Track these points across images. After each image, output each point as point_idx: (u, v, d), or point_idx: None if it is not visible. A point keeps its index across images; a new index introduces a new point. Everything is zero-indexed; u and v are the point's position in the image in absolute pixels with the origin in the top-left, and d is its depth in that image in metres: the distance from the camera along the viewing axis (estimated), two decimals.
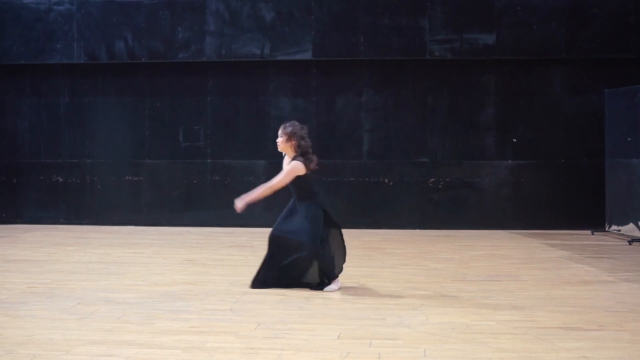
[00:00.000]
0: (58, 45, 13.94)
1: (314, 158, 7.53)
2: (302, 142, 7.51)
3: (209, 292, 7.41)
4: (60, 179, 14.09)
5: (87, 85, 14.10)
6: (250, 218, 13.51)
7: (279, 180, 7.60)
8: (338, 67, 13.54)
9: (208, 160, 13.73)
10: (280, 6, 13.46)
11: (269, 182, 7.66)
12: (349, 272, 8.58)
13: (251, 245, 11.13)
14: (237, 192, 13.57)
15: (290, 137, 7.55)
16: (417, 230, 13.07)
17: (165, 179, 13.80)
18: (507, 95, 13.35)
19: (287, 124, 7.63)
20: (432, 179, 13.37)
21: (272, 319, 6.21)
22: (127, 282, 7.98)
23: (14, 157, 14.27)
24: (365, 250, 10.56)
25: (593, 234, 12.46)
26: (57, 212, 14.13)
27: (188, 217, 13.62)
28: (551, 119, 13.29)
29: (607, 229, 12.57)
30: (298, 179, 7.53)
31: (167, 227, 13.44)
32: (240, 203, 7.60)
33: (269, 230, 12.84)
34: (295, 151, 7.55)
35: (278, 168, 13.39)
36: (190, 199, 13.82)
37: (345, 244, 7.75)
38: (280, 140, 7.64)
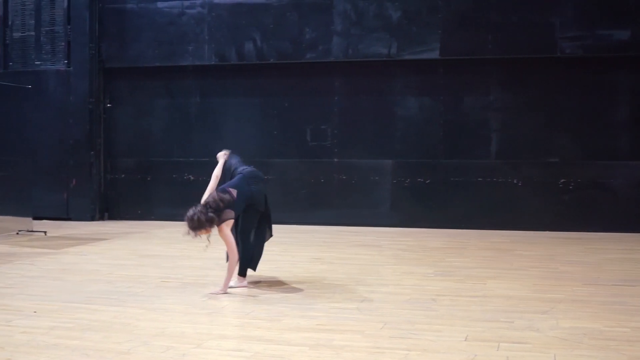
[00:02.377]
0: (190, 48, 14.35)
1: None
2: (208, 222, 7.21)
3: (336, 291, 7.47)
4: (192, 177, 14.48)
5: (217, 85, 14.45)
6: (376, 217, 13.57)
7: (230, 249, 7.36)
8: (465, 65, 13.35)
9: (335, 160, 13.82)
10: (407, 5, 13.39)
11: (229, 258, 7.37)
12: (478, 273, 8.47)
13: (378, 245, 11.14)
14: (363, 191, 13.76)
15: (201, 228, 7.23)
16: (547, 231, 12.73)
17: (293, 178, 13.97)
18: None
19: (189, 223, 7.26)
20: (562, 180, 13.01)
21: (399, 318, 6.19)
22: (256, 278, 8.12)
23: (148, 155, 14.78)
24: (494, 252, 10.40)
25: None
26: (189, 209, 14.48)
27: (315, 215, 13.74)
28: None
29: None
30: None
31: (294, 226, 13.58)
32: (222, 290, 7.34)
33: (398, 229, 12.93)
34: (211, 227, 7.25)
35: (404, 167, 13.45)
36: (317, 197, 13.94)
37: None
38: (200, 233, 7.29)
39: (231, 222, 7.36)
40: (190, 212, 7.22)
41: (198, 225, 7.14)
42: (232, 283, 7.54)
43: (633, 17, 12.58)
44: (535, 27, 12.89)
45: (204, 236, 7.28)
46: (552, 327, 5.90)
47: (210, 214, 7.16)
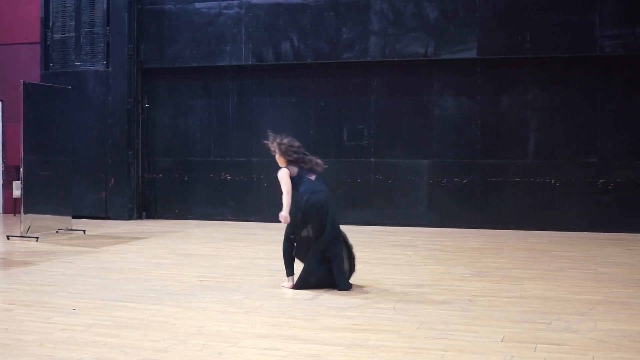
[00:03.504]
0: (227, 48, 14.42)
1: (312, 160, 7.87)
2: (292, 156, 7.85)
3: (371, 291, 7.46)
4: (229, 177, 14.56)
5: (254, 85, 14.50)
6: (413, 217, 13.53)
7: (284, 191, 7.84)
8: (503, 65, 13.25)
9: (372, 160, 13.81)
10: (445, 4, 13.33)
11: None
12: (515, 274, 8.42)
13: (414, 245, 11.11)
14: (400, 191, 13.73)
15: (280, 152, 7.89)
16: (585, 232, 12.61)
17: (329, 178, 13.83)
18: None
19: (278, 140, 7.91)
20: (601, 180, 12.86)
21: (435, 319, 6.17)
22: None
23: (186, 155, 14.87)
24: (531, 252, 10.31)
25: None
26: (225, 208, 14.61)
27: (352, 215, 13.70)
28: None
29: None
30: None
31: None
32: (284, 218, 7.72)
33: (435, 230, 12.88)
34: (286, 162, 7.88)
35: (441, 167, 13.40)
36: (354, 197, 13.93)
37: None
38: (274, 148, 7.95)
39: (286, 171, 7.83)
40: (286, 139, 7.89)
41: (279, 148, 7.87)
42: (283, 283, 7.65)
43: None
44: (575, 25, 12.76)
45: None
46: (591, 328, 5.84)
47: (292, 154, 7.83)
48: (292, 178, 7.80)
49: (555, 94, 13.12)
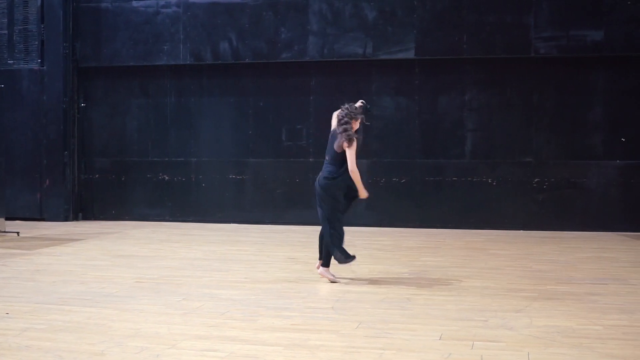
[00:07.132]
0: (165, 47, 14.28)
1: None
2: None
3: (311, 291, 7.47)
4: (167, 177, 14.43)
5: (192, 85, 14.39)
6: (352, 217, 13.52)
7: (352, 161, 8.09)
8: (441, 65, 13.39)
9: (310, 160, 13.80)
10: (383, 5, 13.41)
11: (351, 167, 8.08)
12: (453, 273, 8.51)
13: (353, 244, 11.10)
14: None
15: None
16: (521, 231, 12.82)
17: (268, 178, 13.95)
18: (616, 94, 12.91)
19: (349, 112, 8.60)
20: (536, 179, 13.09)
21: (374, 318, 6.20)
22: (231, 278, 8.12)
23: (123, 155, 14.68)
24: (468, 251, 10.44)
25: None
26: (164, 209, 14.47)
27: (291, 215, 13.72)
28: None
29: None
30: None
31: (270, 225, 13.58)
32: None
33: (373, 229, 12.94)
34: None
35: (380, 167, 13.46)
36: (293, 197, 13.92)
37: None
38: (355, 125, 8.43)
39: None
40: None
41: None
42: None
43: (606, 17, 12.68)
44: (510, 27, 12.96)
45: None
46: (526, 325, 5.93)
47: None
48: None
49: (492, 94, 13.31)
